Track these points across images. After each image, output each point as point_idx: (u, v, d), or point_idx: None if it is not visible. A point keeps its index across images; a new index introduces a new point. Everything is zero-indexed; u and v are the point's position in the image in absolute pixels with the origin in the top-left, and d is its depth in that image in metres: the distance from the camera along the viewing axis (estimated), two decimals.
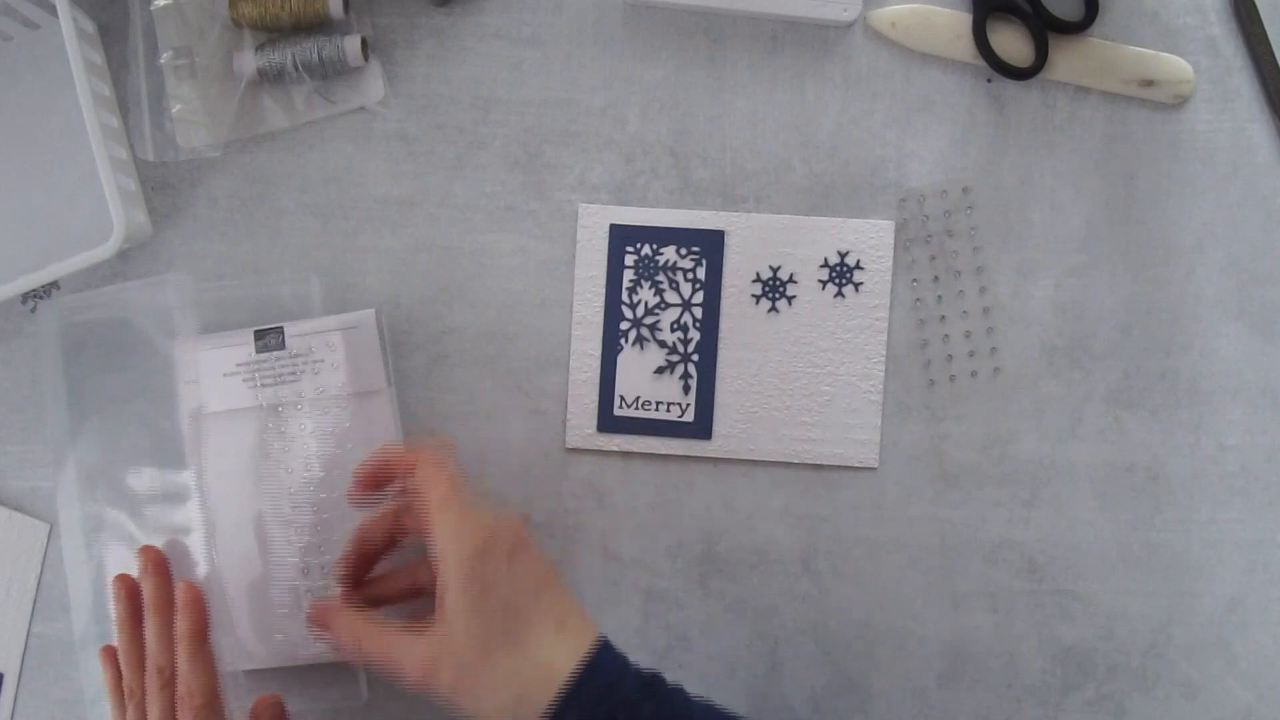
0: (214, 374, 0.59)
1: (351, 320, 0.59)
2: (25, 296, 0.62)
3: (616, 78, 0.61)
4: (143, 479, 0.57)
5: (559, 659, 0.47)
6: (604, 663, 0.47)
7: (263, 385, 0.59)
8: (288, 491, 0.58)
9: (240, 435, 0.59)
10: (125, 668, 0.54)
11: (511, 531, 0.49)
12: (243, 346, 0.59)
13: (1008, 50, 0.60)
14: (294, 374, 0.58)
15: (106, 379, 0.58)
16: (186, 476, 0.56)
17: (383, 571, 0.56)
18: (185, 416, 0.57)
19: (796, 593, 0.60)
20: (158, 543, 0.56)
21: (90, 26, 0.61)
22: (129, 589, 0.54)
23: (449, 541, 0.48)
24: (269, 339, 0.59)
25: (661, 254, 0.61)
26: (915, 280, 0.60)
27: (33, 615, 0.60)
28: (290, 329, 0.58)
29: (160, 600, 0.53)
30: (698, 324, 0.60)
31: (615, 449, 0.61)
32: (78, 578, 0.58)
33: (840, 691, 0.60)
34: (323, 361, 0.59)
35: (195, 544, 0.56)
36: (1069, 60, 0.60)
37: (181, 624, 0.52)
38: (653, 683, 0.48)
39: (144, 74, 0.60)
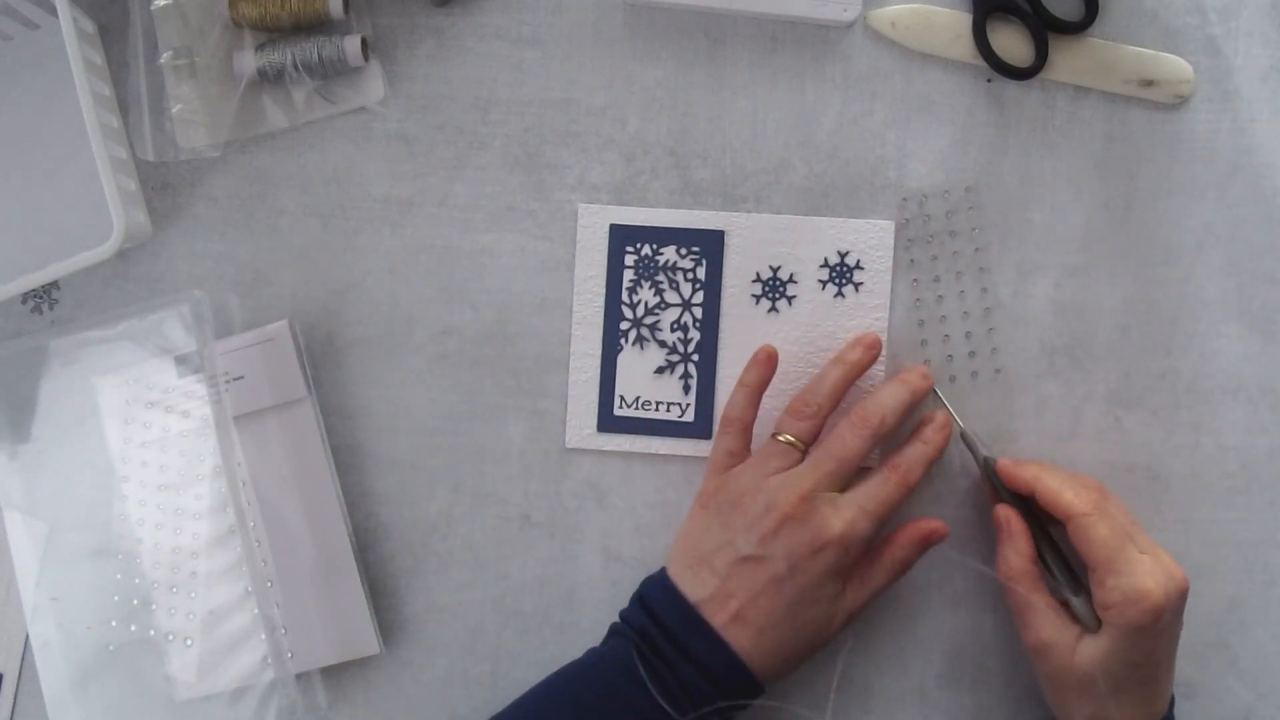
0: (138, 404, 0.59)
1: (267, 333, 0.60)
2: (25, 296, 0.62)
3: (616, 78, 0.61)
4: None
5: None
6: None
7: (189, 407, 0.59)
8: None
9: (183, 457, 0.59)
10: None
11: (1182, 596, 0.52)
12: (162, 374, 0.59)
13: (1008, 50, 0.60)
14: (217, 392, 0.59)
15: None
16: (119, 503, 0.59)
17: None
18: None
19: None
20: None
21: (90, 26, 0.61)
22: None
23: (1140, 586, 0.51)
24: (188, 362, 0.59)
25: (661, 254, 0.61)
26: (915, 280, 0.60)
27: (33, 615, 0.60)
28: (205, 350, 0.59)
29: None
30: (698, 324, 0.60)
31: (615, 449, 0.61)
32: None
33: (840, 691, 0.60)
34: (243, 378, 0.59)
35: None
36: (1069, 60, 0.60)
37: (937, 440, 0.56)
38: None
39: (144, 74, 0.60)
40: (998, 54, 0.59)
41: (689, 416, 0.60)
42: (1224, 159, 0.60)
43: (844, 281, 0.60)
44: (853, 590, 0.54)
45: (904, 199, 0.60)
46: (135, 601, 0.59)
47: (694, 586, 0.53)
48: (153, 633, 0.58)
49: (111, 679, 0.58)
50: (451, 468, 0.61)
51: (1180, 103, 0.60)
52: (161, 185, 0.62)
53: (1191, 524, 0.60)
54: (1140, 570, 0.51)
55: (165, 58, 0.60)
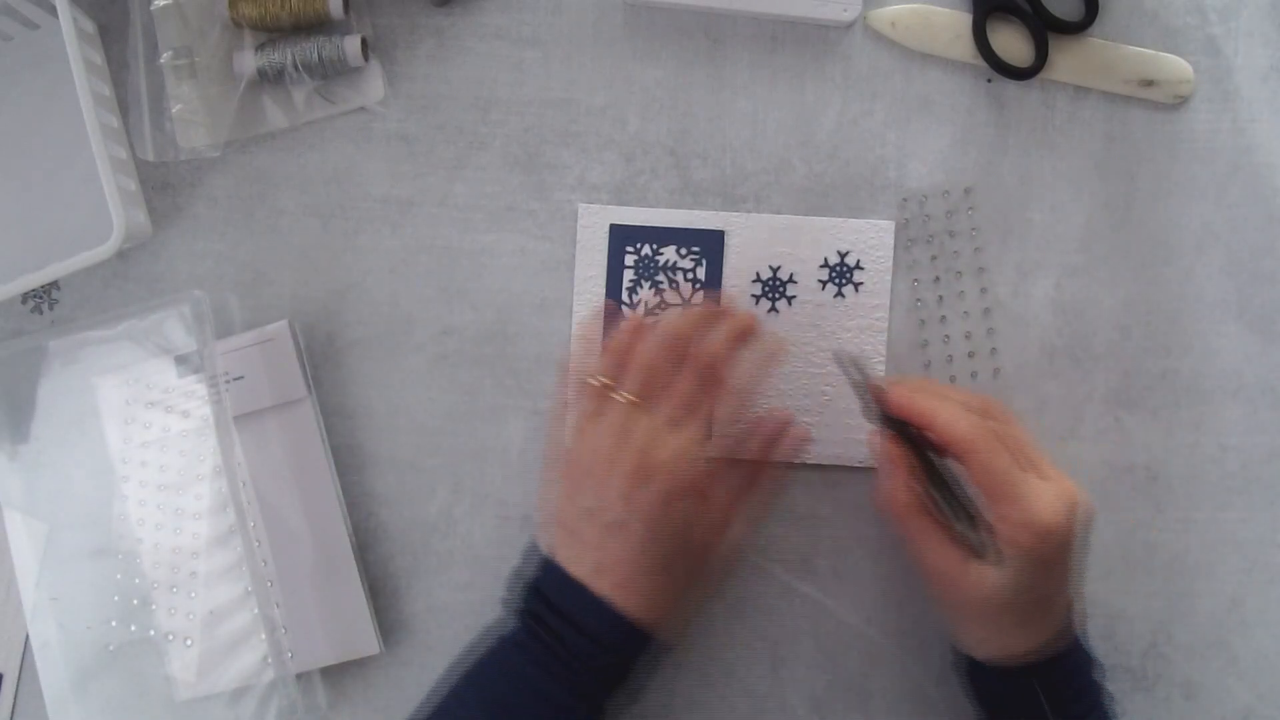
0: (138, 404, 0.59)
1: (267, 333, 0.60)
2: (25, 296, 0.62)
3: (616, 78, 0.61)
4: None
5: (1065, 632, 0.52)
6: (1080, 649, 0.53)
7: (189, 407, 0.59)
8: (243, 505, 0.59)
9: (183, 457, 0.59)
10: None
11: (1078, 519, 0.50)
12: (162, 374, 0.59)
13: (1008, 50, 0.60)
14: (217, 392, 0.59)
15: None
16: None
17: None
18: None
19: (796, 593, 0.60)
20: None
21: (90, 26, 0.61)
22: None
23: (1036, 515, 0.49)
24: (188, 362, 0.59)
25: (661, 254, 0.61)
26: (916, 280, 0.60)
27: (33, 615, 0.60)
28: (206, 350, 0.59)
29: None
30: None
31: None
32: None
33: (840, 692, 0.60)
34: (243, 378, 0.59)
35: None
36: (1069, 60, 0.60)
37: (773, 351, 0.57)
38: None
39: (144, 74, 0.60)
40: (998, 54, 0.59)
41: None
42: (1224, 159, 0.60)
43: (844, 281, 0.60)
44: (721, 508, 0.54)
45: (904, 199, 0.60)
46: (135, 601, 0.59)
47: (557, 547, 0.53)
48: (153, 633, 0.58)
49: (111, 679, 0.58)
50: (451, 468, 0.61)
51: (1180, 103, 0.60)
52: (161, 185, 0.62)
53: (1191, 524, 0.60)
54: (1039, 500, 0.49)
55: (165, 58, 0.60)
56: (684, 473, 0.51)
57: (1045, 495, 0.49)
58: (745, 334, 0.55)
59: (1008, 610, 0.50)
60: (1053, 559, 0.49)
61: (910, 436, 0.53)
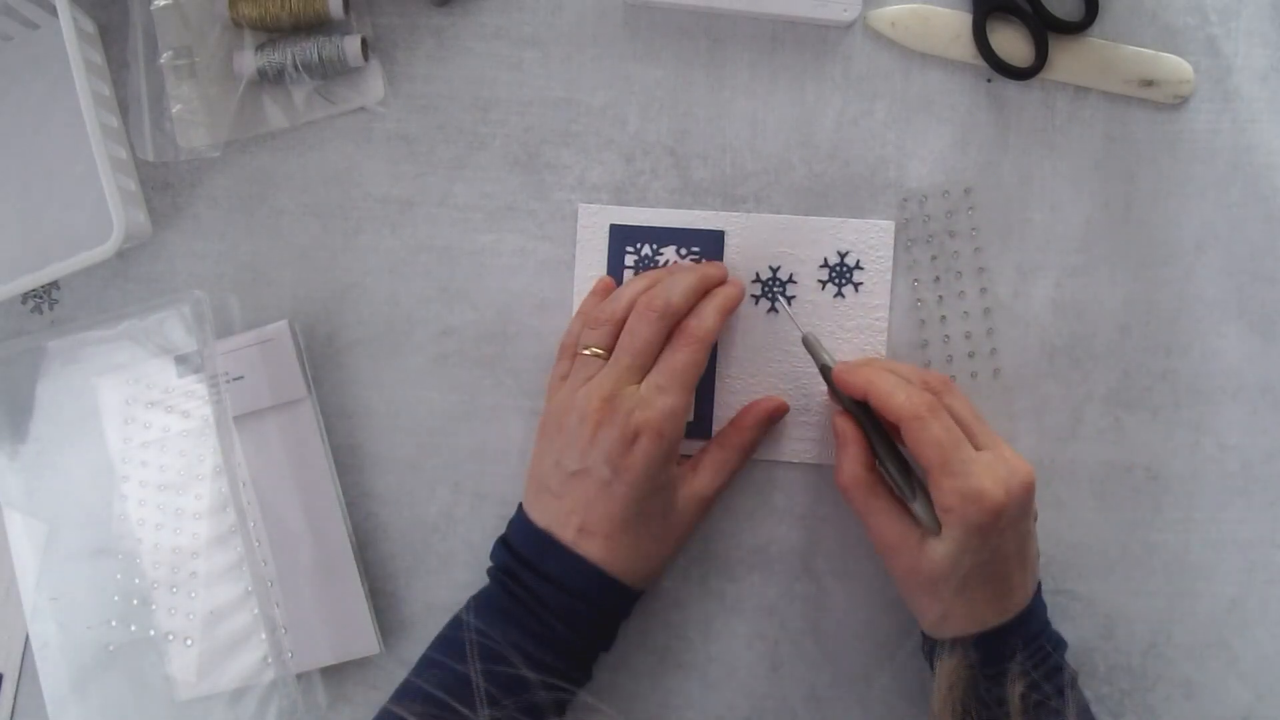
0: (138, 403, 0.60)
1: (267, 333, 0.60)
2: (25, 296, 0.62)
3: (616, 78, 0.61)
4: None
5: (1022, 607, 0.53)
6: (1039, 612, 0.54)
7: (189, 407, 0.59)
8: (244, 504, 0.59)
9: (183, 457, 0.59)
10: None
11: (1025, 490, 0.51)
12: (162, 374, 0.59)
13: (1008, 50, 0.60)
14: (217, 392, 0.59)
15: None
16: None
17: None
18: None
19: (796, 593, 0.60)
20: None
21: (90, 26, 0.61)
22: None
23: (976, 487, 0.49)
24: (188, 362, 0.59)
25: (661, 254, 0.61)
26: (916, 280, 0.60)
27: (33, 615, 0.60)
28: (206, 350, 0.59)
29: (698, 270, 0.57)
30: None
31: None
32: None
33: (840, 691, 0.60)
34: (243, 378, 0.59)
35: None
36: (1069, 60, 0.60)
37: (725, 292, 0.57)
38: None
39: (144, 74, 0.60)
40: (998, 54, 0.59)
41: (689, 416, 0.60)
42: (1224, 159, 0.60)
43: (844, 281, 0.60)
44: (704, 475, 0.56)
45: (904, 199, 0.60)
46: (135, 601, 0.59)
47: (540, 512, 0.54)
48: (153, 633, 0.58)
49: (111, 679, 0.58)
50: (451, 468, 0.61)
51: (1180, 103, 0.60)
52: (161, 185, 0.62)
53: (1191, 524, 0.60)
54: (976, 470, 0.49)
55: (165, 58, 0.60)
56: (667, 431, 0.52)
57: (980, 464, 0.50)
58: (708, 284, 0.56)
59: (956, 584, 0.50)
60: (990, 528, 0.49)
61: (869, 415, 0.54)
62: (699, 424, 0.60)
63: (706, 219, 0.60)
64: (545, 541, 0.53)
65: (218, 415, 0.58)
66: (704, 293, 0.56)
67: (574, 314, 0.59)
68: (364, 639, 0.59)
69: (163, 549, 0.59)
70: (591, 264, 0.61)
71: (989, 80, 0.61)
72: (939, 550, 0.51)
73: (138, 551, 0.59)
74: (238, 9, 0.60)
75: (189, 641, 0.58)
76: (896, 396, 0.51)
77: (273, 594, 0.59)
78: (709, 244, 0.60)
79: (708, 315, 0.55)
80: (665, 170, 0.61)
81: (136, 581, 0.59)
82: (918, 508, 0.52)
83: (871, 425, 0.54)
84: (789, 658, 0.60)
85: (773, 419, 0.59)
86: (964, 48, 0.60)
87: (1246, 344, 0.60)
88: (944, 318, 0.60)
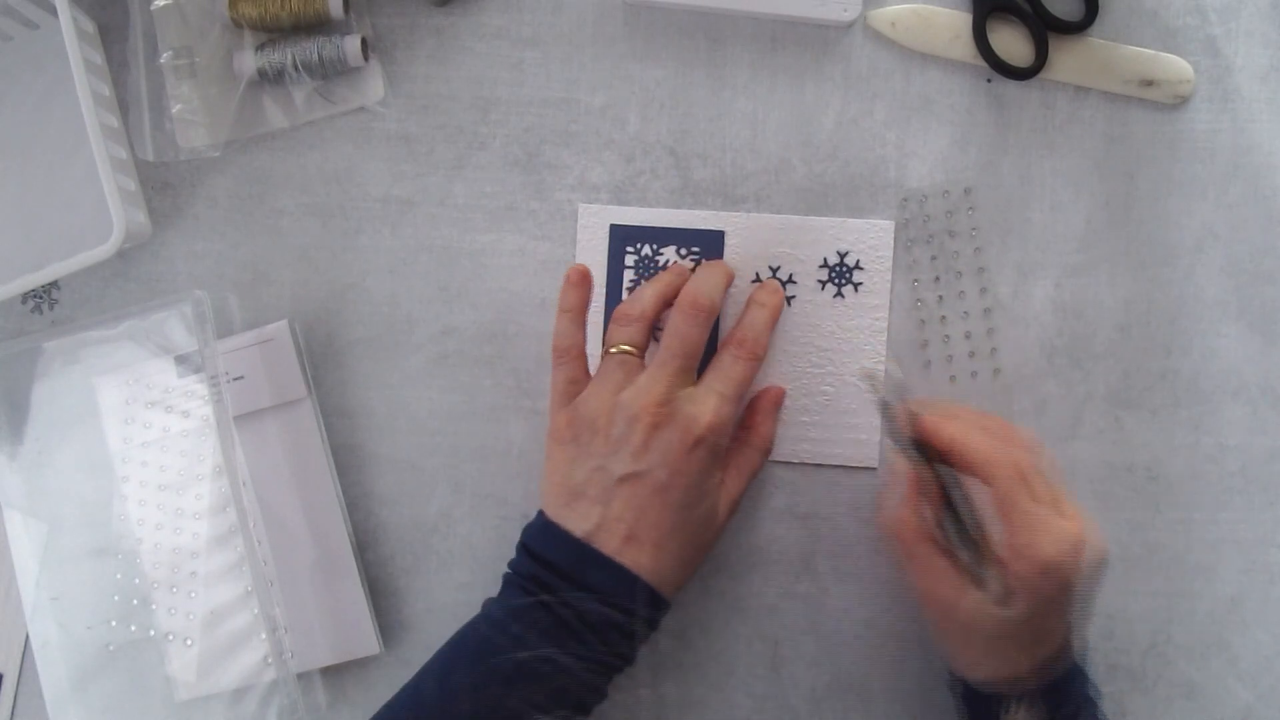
0: (138, 404, 0.60)
1: (267, 333, 0.60)
2: (25, 296, 0.62)
3: (616, 78, 0.61)
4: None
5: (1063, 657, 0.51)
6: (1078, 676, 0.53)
7: (189, 407, 0.59)
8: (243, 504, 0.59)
9: (183, 457, 0.59)
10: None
11: (1082, 554, 0.49)
12: (163, 374, 0.59)
13: (1008, 50, 0.60)
14: (217, 392, 0.59)
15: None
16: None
17: None
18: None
19: (796, 593, 0.60)
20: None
21: (90, 26, 0.61)
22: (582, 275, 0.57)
23: (1039, 546, 0.48)
24: (188, 362, 0.59)
25: (661, 254, 0.61)
26: (915, 280, 0.60)
27: (33, 615, 0.60)
28: (207, 349, 0.59)
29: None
30: None
31: None
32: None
33: (840, 691, 0.60)
34: (243, 378, 0.59)
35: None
36: (1069, 60, 0.60)
37: (774, 302, 0.57)
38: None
39: (144, 74, 0.60)
40: (998, 54, 0.59)
41: None
42: (1224, 159, 0.60)
43: (844, 281, 0.60)
44: (731, 478, 0.55)
45: (904, 199, 0.60)
46: (135, 601, 0.59)
47: (577, 520, 0.52)
48: (153, 633, 0.58)
49: (111, 679, 0.58)
50: (451, 468, 0.61)
51: (1180, 103, 0.60)
52: (161, 185, 0.62)
53: (1191, 524, 0.60)
54: (1045, 531, 0.48)
55: (165, 58, 0.60)
56: (724, 437, 0.52)
57: (1055, 530, 0.48)
58: (729, 279, 0.57)
59: (1004, 639, 0.50)
60: (1054, 594, 0.49)
61: (929, 460, 0.53)
62: None
63: (706, 219, 0.60)
64: (586, 552, 0.51)
65: (218, 415, 0.58)
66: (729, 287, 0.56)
67: (558, 311, 0.57)
68: (364, 639, 0.59)
69: (163, 549, 0.59)
70: (591, 264, 0.61)
71: (989, 80, 0.61)
72: (995, 608, 0.49)
73: (138, 551, 0.59)
74: (238, 9, 0.60)
75: (189, 641, 0.58)
76: (983, 449, 0.50)
77: (273, 594, 0.59)
78: (709, 244, 0.60)
79: (763, 330, 0.55)
80: (665, 170, 0.61)
81: (136, 581, 0.59)
82: (974, 563, 0.51)
83: (933, 471, 0.53)
84: (789, 658, 0.60)
85: (779, 405, 0.59)
86: (964, 48, 0.60)
87: (1246, 344, 0.60)
88: (944, 318, 0.60)
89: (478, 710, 0.50)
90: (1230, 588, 0.60)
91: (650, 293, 0.56)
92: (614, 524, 0.51)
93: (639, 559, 0.51)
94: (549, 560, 0.52)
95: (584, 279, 0.57)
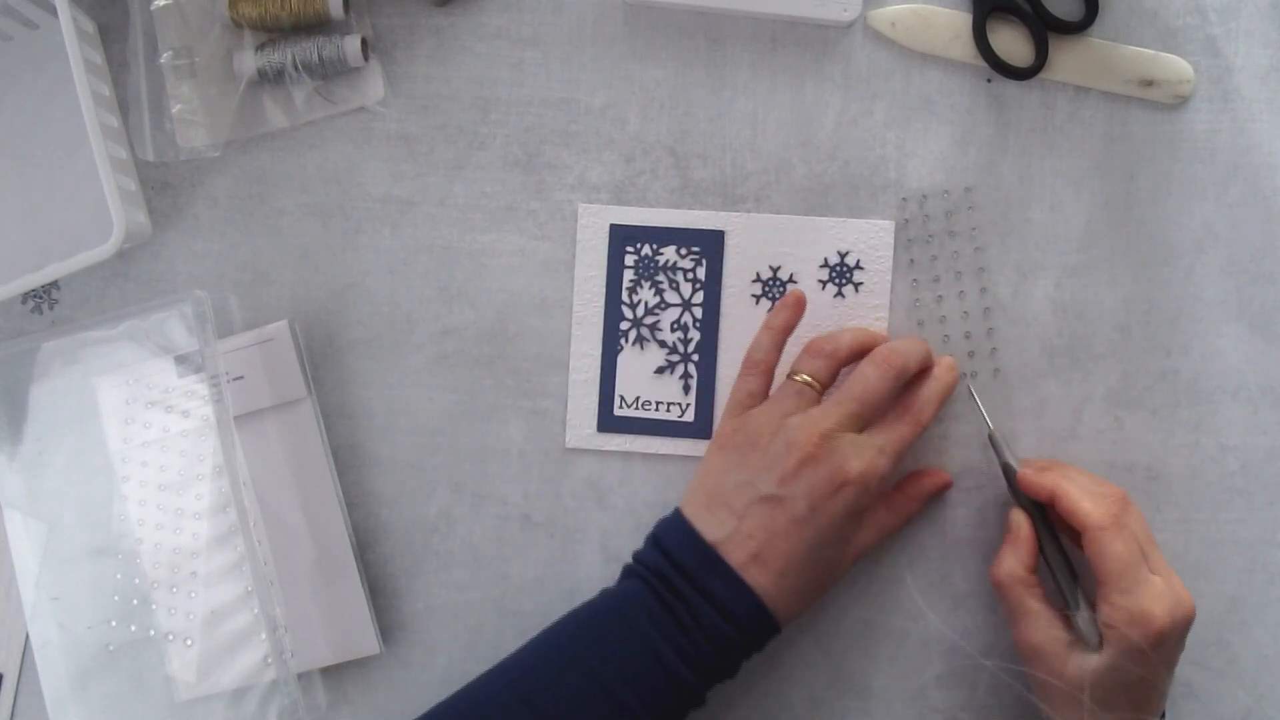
0: (138, 403, 0.60)
1: (267, 333, 0.60)
2: (25, 296, 0.62)
3: (616, 78, 0.61)
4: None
5: None
6: None
7: (189, 407, 0.59)
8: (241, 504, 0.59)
9: (183, 457, 0.59)
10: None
11: (1188, 623, 0.51)
12: (163, 374, 0.59)
13: (1008, 50, 0.60)
14: (217, 392, 0.59)
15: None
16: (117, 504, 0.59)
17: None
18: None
19: None
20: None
21: (90, 26, 0.61)
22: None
23: (1146, 609, 0.50)
24: (189, 362, 0.59)
25: (661, 254, 0.61)
26: (915, 280, 0.60)
27: (33, 615, 0.60)
28: (207, 349, 0.59)
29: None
30: (698, 324, 0.60)
31: (615, 449, 0.61)
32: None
33: (840, 691, 0.60)
34: (243, 378, 0.59)
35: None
36: (1069, 60, 0.60)
37: (947, 380, 0.57)
38: None
39: (144, 74, 0.60)
40: (998, 54, 0.59)
41: (689, 416, 0.60)
42: (1224, 159, 0.60)
43: (844, 281, 0.60)
44: (867, 531, 0.55)
45: (904, 199, 0.60)
46: (135, 601, 0.59)
47: (711, 526, 0.53)
48: (153, 633, 0.58)
49: (111, 679, 0.58)
50: (451, 468, 0.61)
51: (1180, 103, 0.60)
52: (161, 185, 0.62)
53: (1191, 524, 0.60)
54: (1149, 592, 0.50)
55: (165, 58, 0.60)
56: (871, 489, 0.53)
57: (1153, 588, 0.50)
58: (929, 361, 0.57)
59: (1099, 697, 0.51)
60: (1149, 652, 0.50)
61: (1045, 518, 0.55)
62: (699, 424, 0.60)
63: (706, 219, 0.60)
64: (712, 558, 0.52)
65: (218, 415, 0.58)
66: (927, 363, 0.57)
67: (763, 326, 0.57)
68: (364, 639, 0.59)
69: (163, 549, 0.59)
70: (591, 264, 0.61)
71: (989, 80, 0.61)
72: (1090, 662, 0.51)
73: (138, 551, 0.59)
74: (238, 9, 0.60)
75: (189, 641, 0.58)
76: (1083, 504, 0.52)
77: (273, 594, 0.59)
78: (709, 244, 0.60)
79: (933, 402, 0.56)
80: (665, 170, 0.61)
81: (136, 581, 0.59)
82: (1080, 618, 0.52)
83: (1044, 528, 0.55)
84: (789, 658, 0.60)
85: (938, 493, 0.59)
86: (964, 48, 0.60)
87: (1246, 344, 0.60)
88: (944, 318, 0.60)
89: (585, 688, 0.51)
90: (1230, 588, 0.60)
91: (849, 337, 0.56)
92: (744, 539, 0.52)
93: (760, 579, 0.51)
94: (675, 557, 0.52)
95: (799, 304, 0.57)
